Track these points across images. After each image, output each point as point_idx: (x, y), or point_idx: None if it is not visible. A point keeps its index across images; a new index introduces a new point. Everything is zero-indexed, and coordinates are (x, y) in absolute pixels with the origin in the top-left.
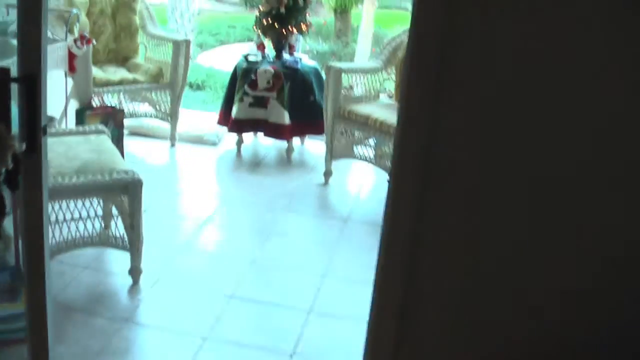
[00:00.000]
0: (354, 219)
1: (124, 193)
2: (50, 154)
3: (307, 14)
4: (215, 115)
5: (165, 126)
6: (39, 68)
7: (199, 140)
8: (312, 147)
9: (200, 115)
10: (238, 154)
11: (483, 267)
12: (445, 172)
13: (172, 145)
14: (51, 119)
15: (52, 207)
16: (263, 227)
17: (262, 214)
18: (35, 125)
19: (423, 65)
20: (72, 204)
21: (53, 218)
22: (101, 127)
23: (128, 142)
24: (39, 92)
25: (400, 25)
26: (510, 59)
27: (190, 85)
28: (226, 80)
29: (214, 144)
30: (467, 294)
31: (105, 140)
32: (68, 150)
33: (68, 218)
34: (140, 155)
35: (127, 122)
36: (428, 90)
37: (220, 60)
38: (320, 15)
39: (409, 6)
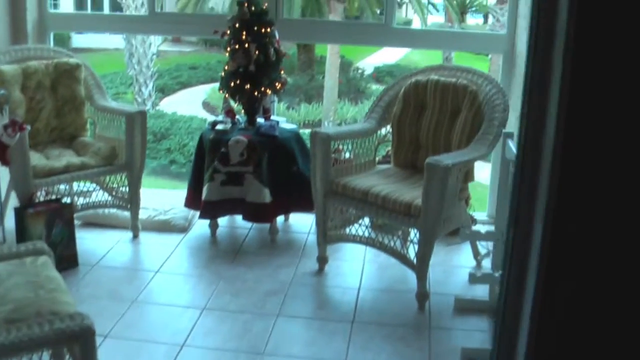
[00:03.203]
0: (362, 318)
1: (72, 344)
2: None
3: (281, 71)
4: (183, 194)
5: (125, 213)
6: None
7: (165, 227)
8: (298, 221)
9: (165, 195)
10: (213, 240)
11: None
12: None
13: (135, 236)
14: None
15: None
16: (253, 344)
17: (250, 324)
18: None
19: None
20: None
21: None
22: (40, 244)
23: (82, 235)
24: None
25: (365, 54)
26: None
27: (155, 135)
28: (191, 125)
29: (183, 229)
30: None
31: (44, 266)
32: None
33: None
34: (97, 254)
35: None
36: None
37: (184, 105)
38: (283, 47)
39: None
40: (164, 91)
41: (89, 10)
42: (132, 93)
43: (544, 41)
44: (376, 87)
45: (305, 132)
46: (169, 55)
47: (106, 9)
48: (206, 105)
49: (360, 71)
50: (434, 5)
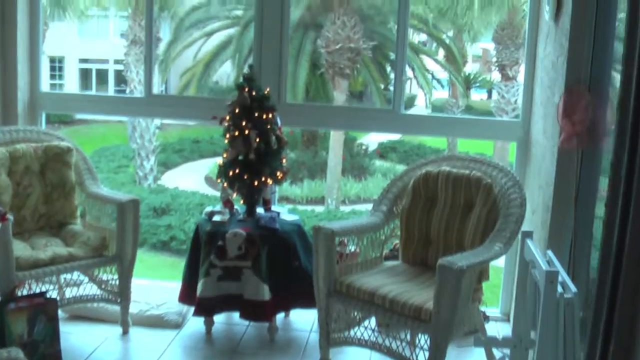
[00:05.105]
0: None
1: None
2: None
3: (283, 159)
4: (176, 286)
5: (114, 306)
6: None
7: (157, 323)
8: (299, 317)
9: (158, 288)
10: (208, 338)
11: None
12: None
13: (125, 332)
14: None
15: None
16: None
17: None
18: None
19: None
20: None
21: None
22: (15, 352)
23: (68, 329)
24: None
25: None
26: None
27: (155, 210)
28: (192, 201)
29: (176, 325)
30: None
31: None
32: None
33: None
34: (83, 352)
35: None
36: None
37: (186, 179)
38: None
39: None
40: (166, 165)
41: (93, 89)
42: (134, 167)
43: None
44: (380, 164)
45: (307, 209)
46: (172, 129)
47: (111, 86)
48: (208, 180)
49: (364, 147)
50: (438, 81)
